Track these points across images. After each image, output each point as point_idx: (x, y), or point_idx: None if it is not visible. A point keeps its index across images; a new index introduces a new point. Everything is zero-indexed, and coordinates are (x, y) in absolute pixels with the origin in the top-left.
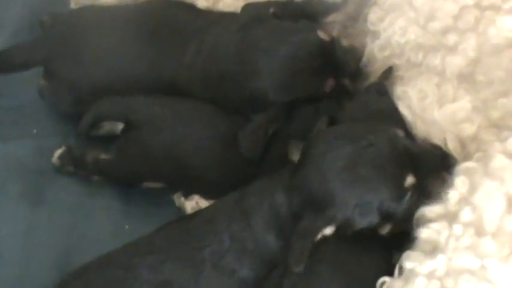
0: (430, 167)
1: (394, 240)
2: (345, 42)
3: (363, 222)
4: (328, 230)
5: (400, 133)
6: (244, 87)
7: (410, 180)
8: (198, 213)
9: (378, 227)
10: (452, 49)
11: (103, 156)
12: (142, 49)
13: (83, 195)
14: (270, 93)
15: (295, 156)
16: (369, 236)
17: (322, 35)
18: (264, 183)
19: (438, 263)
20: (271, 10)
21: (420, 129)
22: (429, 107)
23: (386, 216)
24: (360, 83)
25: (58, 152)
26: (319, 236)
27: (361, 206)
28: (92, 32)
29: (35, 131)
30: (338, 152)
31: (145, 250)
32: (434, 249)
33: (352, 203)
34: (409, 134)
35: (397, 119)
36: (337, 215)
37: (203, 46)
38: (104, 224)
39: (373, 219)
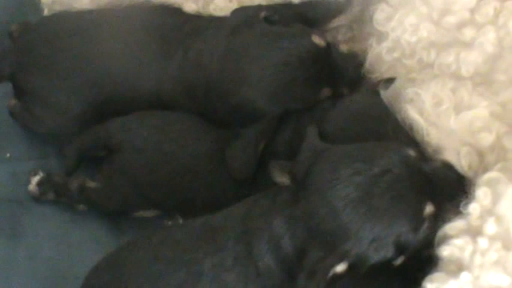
0: (447, 192)
1: (409, 269)
2: (343, 48)
3: (377, 257)
4: (340, 268)
5: (412, 153)
6: (231, 97)
7: (429, 209)
8: (204, 219)
9: (391, 260)
10: (468, 45)
11: (89, 184)
12: (124, 58)
13: (66, 225)
14: (259, 104)
15: (279, 178)
16: (380, 268)
17: (316, 40)
18: (264, 204)
19: (463, 282)
20: (263, 14)
21: (434, 137)
22: (444, 114)
23: (401, 249)
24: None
25: (36, 178)
26: (330, 274)
27: (378, 240)
28: (68, 40)
29: (8, 154)
30: (350, 180)
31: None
32: (458, 268)
33: (368, 237)
34: (419, 151)
35: (396, 128)
36: (351, 250)
37: (189, 54)
38: (90, 257)
39: (388, 253)
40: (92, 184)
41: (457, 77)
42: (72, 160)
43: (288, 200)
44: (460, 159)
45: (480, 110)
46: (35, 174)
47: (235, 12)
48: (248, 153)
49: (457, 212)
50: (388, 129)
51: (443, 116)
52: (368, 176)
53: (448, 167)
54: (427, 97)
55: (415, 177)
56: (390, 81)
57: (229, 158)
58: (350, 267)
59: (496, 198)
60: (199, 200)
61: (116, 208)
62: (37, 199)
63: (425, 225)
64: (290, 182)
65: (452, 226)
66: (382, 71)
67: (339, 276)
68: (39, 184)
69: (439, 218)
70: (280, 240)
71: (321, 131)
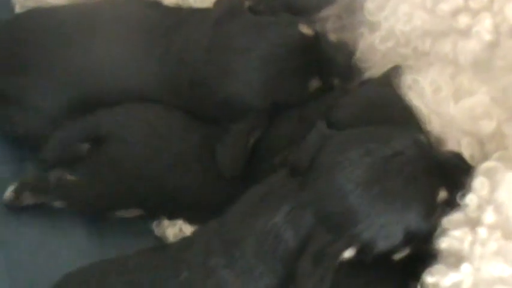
0: (458, 180)
1: (408, 261)
2: (332, 37)
3: (385, 244)
4: (348, 253)
5: (423, 138)
6: (218, 92)
7: (442, 194)
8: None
9: (395, 251)
10: (465, 33)
11: (69, 177)
12: (103, 55)
13: (45, 233)
14: (247, 98)
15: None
16: (380, 261)
17: (304, 29)
18: (246, 205)
19: (464, 274)
20: (247, 4)
21: (435, 125)
22: (444, 101)
23: (410, 237)
24: (352, 83)
25: (11, 187)
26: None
27: (388, 225)
28: (43, 38)
29: None
30: (360, 161)
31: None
32: (458, 260)
33: (378, 222)
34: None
35: (409, 117)
36: (361, 234)
37: (171, 49)
38: (70, 266)
39: (396, 241)
40: (71, 177)
41: (456, 66)
42: (51, 148)
43: (289, 190)
44: (461, 150)
45: (480, 96)
46: (10, 183)
47: (219, 2)
48: (238, 149)
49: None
50: (401, 119)
51: (443, 103)
52: (380, 157)
53: (458, 156)
54: (426, 84)
55: (428, 161)
56: (396, 70)
57: (218, 155)
58: (357, 254)
59: (494, 187)
60: (187, 198)
61: (95, 205)
62: (12, 205)
63: (437, 212)
64: (289, 172)
65: (449, 219)
66: (375, 60)
67: (344, 264)
68: (16, 190)
69: (450, 207)
70: (281, 236)
71: (331, 121)
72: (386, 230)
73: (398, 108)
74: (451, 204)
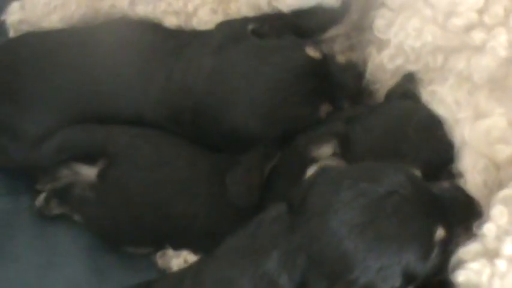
0: (458, 215)
1: None
2: (341, 58)
3: (385, 287)
4: None
5: (418, 173)
6: (222, 122)
7: (440, 233)
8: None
9: None
10: (479, 49)
11: (88, 193)
12: (100, 82)
13: (41, 269)
14: (253, 127)
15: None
16: None
17: (311, 52)
18: (243, 242)
19: None
20: (250, 27)
21: (457, 137)
22: (462, 120)
23: (410, 278)
24: (362, 104)
25: (43, 195)
26: None
27: (386, 269)
28: (38, 64)
29: None
30: (353, 202)
31: None
32: None
33: (375, 266)
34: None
35: (441, 134)
36: (358, 280)
37: (173, 75)
38: None
39: (395, 283)
40: (90, 194)
41: (470, 81)
42: (50, 148)
43: (281, 231)
44: (475, 174)
45: (497, 119)
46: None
47: (220, 27)
48: (253, 178)
49: (470, 235)
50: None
51: (460, 122)
52: (373, 198)
53: (457, 188)
54: (444, 93)
55: (423, 198)
56: (411, 76)
57: (231, 185)
58: None
59: None
60: (194, 226)
61: (104, 231)
62: (44, 213)
63: (436, 251)
64: (287, 208)
65: (467, 249)
66: (384, 80)
67: None
68: (46, 196)
69: (450, 243)
70: (274, 280)
71: (353, 142)
72: (383, 273)
73: (430, 128)
74: (453, 240)
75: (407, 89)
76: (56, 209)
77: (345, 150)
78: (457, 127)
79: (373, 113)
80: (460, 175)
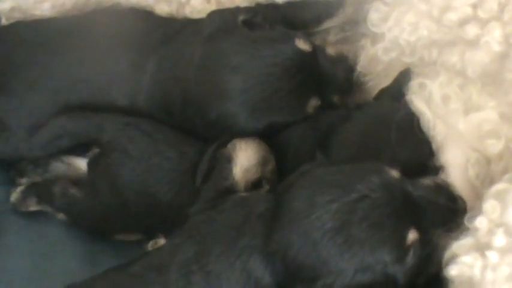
0: (436, 216)
1: None
2: (331, 50)
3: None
4: None
5: (395, 173)
6: (209, 112)
7: (413, 235)
8: (142, 257)
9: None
10: (473, 43)
11: (72, 190)
12: (91, 71)
13: (37, 257)
14: (240, 119)
15: None
16: None
17: (300, 44)
18: (230, 237)
19: None
20: (241, 18)
21: (440, 132)
22: (453, 113)
23: (387, 279)
24: (353, 99)
25: (20, 188)
26: None
27: (362, 271)
28: (29, 52)
29: None
30: (325, 209)
31: None
32: (469, 287)
33: (350, 269)
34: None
35: (420, 137)
36: (334, 284)
37: (164, 64)
38: None
39: (374, 285)
40: (74, 191)
41: (463, 76)
42: (42, 137)
43: (262, 231)
44: (467, 167)
45: (489, 112)
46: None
47: (211, 15)
48: (201, 163)
49: (462, 229)
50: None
51: (452, 115)
52: (344, 203)
53: (439, 185)
54: (434, 88)
55: (396, 201)
56: (407, 73)
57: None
58: None
59: (504, 209)
60: (185, 215)
61: (95, 225)
62: (18, 207)
63: (411, 253)
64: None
65: (460, 244)
66: (377, 72)
67: None
68: (23, 191)
69: (428, 245)
70: (258, 278)
71: (339, 141)
72: (359, 275)
73: (410, 130)
74: (431, 240)
75: (399, 90)
76: (33, 206)
77: (327, 150)
78: (441, 122)
79: (356, 113)
80: (443, 169)
